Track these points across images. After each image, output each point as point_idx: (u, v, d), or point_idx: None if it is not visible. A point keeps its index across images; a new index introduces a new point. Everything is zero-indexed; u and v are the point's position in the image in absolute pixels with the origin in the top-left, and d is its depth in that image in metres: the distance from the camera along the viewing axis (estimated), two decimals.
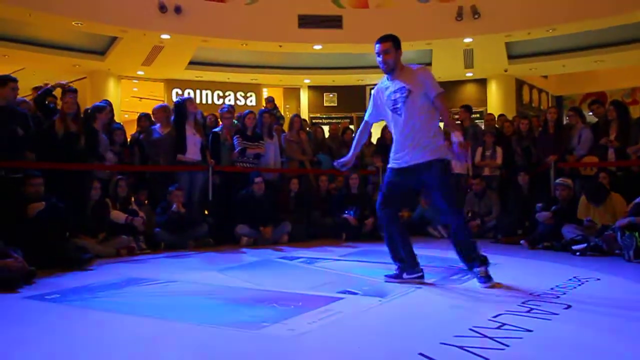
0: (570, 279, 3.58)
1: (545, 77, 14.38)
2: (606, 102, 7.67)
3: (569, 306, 2.77)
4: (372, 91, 3.60)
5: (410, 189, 3.73)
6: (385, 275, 3.54)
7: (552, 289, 3.23)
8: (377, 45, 3.35)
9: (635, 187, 5.30)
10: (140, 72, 12.24)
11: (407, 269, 3.46)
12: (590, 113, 7.11)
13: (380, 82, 3.53)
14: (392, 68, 3.36)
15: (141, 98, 14.41)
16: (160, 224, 5.58)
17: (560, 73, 13.70)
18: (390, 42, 3.34)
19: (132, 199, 5.61)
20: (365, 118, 3.65)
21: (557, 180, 5.77)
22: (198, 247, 5.59)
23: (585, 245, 4.89)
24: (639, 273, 3.96)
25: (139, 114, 6.93)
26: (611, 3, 9.05)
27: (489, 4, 9.91)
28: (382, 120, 3.58)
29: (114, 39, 10.44)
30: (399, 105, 3.33)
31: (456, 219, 3.38)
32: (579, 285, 3.41)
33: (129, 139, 6.56)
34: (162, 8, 9.64)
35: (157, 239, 5.53)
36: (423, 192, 5.99)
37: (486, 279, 3.28)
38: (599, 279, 3.64)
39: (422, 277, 3.45)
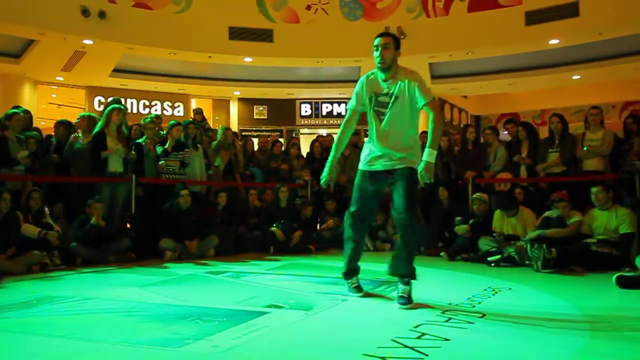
0: (485, 289, 3.79)
1: (465, 97, 15.21)
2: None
3: (484, 315, 2.93)
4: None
5: None
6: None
7: (468, 298, 3.40)
8: (377, 39, 3.27)
9: (544, 203, 5.70)
10: (59, 78, 11.60)
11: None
12: (505, 132, 7.60)
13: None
14: (389, 66, 3.26)
15: (60, 105, 13.64)
16: (77, 238, 5.29)
17: (478, 94, 14.58)
18: (392, 38, 3.29)
19: (47, 212, 5.28)
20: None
21: (474, 195, 6.09)
22: (119, 263, 5.34)
23: (499, 256, 5.21)
24: (546, 282, 4.26)
25: (55, 121, 6.56)
26: (523, 30, 9.77)
27: (414, 25, 10.37)
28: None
29: (30, 42, 9.83)
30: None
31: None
32: (493, 294, 3.62)
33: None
34: (85, 12, 9.22)
35: (74, 254, 5.23)
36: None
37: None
38: (510, 289, 3.88)
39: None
